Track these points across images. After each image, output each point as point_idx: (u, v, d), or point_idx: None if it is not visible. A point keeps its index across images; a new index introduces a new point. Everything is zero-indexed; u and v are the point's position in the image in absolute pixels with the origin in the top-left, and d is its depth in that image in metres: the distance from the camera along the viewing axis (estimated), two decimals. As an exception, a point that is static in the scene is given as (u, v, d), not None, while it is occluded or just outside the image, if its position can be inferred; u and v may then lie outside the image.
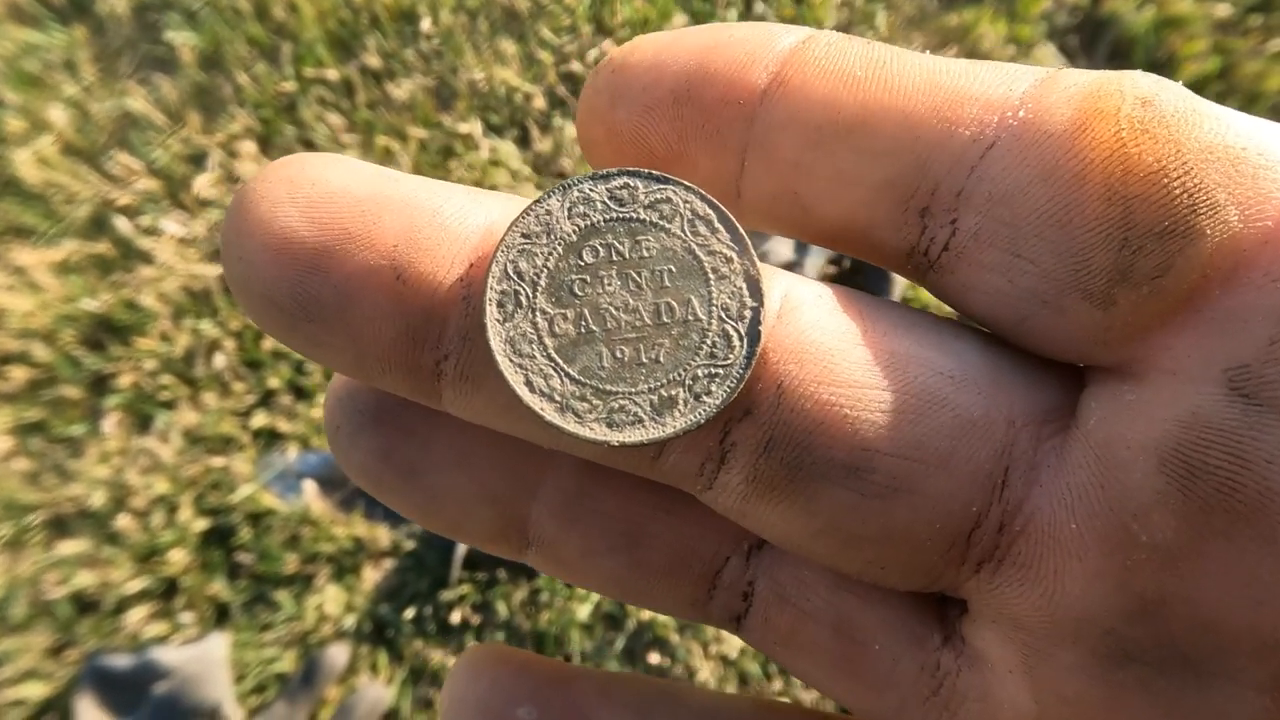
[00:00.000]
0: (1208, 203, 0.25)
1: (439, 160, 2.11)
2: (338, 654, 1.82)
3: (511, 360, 0.29)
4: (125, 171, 2.15)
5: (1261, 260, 0.25)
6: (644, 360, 0.29)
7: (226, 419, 1.97)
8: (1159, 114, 0.25)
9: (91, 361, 2.03)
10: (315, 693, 1.80)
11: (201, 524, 1.92)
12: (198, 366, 2.01)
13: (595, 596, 1.78)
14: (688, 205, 0.29)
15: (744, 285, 0.29)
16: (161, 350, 2.02)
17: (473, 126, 2.13)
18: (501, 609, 1.83)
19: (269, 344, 2.02)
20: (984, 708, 0.30)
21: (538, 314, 0.29)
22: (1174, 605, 0.26)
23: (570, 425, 0.29)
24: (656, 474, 0.30)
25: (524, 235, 0.29)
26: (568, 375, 0.29)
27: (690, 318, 0.29)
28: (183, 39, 2.22)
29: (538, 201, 0.29)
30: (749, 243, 0.29)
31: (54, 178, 2.14)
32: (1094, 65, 2.09)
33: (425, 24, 2.20)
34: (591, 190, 0.30)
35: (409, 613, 1.85)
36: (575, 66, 2.17)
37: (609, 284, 0.29)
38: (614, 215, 0.29)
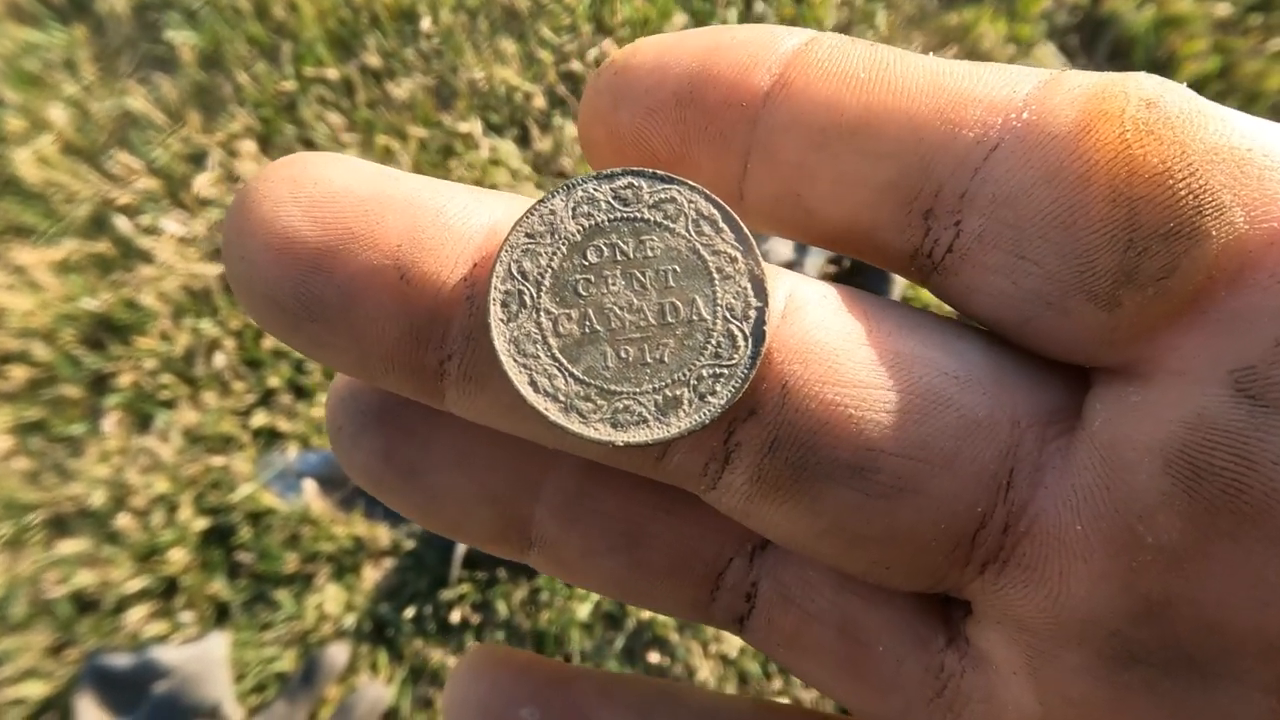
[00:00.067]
0: (1213, 204, 0.25)
1: (439, 159, 2.11)
2: (337, 653, 1.82)
3: (516, 360, 0.29)
4: (125, 171, 2.15)
5: (1267, 261, 0.25)
6: (648, 360, 0.29)
7: (226, 418, 1.97)
8: (1164, 115, 0.25)
9: (91, 361, 2.02)
10: (315, 692, 1.80)
11: (201, 523, 1.91)
12: (198, 366, 2.01)
13: (595, 595, 1.78)
14: (692, 205, 0.29)
15: (749, 285, 0.29)
16: (161, 349, 2.02)
17: (473, 126, 2.13)
18: (501, 608, 1.83)
19: (269, 343, 2.02)
20: (988, 709, 0.30)
21: (542, 314, 0.29)
22: (1179, 607, 0.25)
23: (575, 425, 0.28)
24: (660, 474, 0.30)
25: (528, 235, 0.29)
26: (572, 375, 0.29)
27: (695, 318, 0.29)
28: (183, 38, 2.22)
29: (542, 201, 0.29)
30: (754, 242, 0.29)
31: (54, 177, 2.14)
32: (1094, 65, 2.09)
33: (425, 23, 2.19)
34: (596, 190, 0.29)
35: (409, 612, 1.84)
36: (575, 66, 2.17)
37: (613, 284, 0.29)
38: (618, 215, 0.29)
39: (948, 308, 0.30)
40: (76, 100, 2.20)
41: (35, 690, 1.82)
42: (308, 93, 2.18)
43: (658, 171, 0.29)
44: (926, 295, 1.80)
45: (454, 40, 2.19)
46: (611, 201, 0.29)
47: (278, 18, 2.23)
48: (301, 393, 1.99)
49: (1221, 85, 2.04)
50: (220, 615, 1.89)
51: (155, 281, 2.07)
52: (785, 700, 1.77)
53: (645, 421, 0.28)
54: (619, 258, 0.29)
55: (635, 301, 0.29)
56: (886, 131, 0.28)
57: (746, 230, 0.29)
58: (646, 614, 1.79)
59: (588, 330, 0.29)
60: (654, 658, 1.79)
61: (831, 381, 0.28)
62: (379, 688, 1.80)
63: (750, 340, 0.28)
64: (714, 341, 0.29)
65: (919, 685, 0.31)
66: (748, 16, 2.16)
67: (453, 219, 0.29)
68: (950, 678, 0.31)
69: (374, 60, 2.18)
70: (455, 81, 2.17)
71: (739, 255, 0.29)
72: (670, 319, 0.29)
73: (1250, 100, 2.03)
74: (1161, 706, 0.27)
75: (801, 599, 0.32)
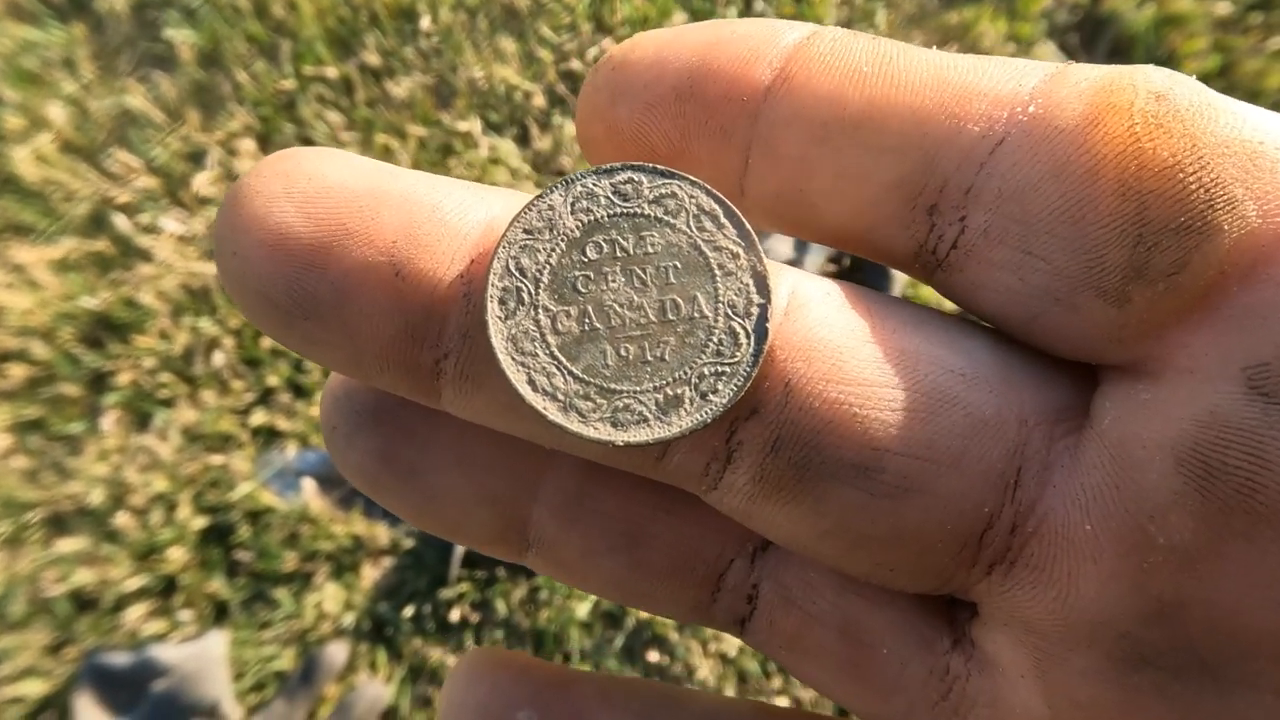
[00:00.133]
0: (1225, 198, 0.24)
1: (438, 158, 2.11)
2: (336, 652, 1.82)
3: (514, 358, 0.28)
4: (124, 169, 2.15)
5: None
6: (649, 358, 0.28)
7: (225, 417, 1.97)
8: (1173, 108, 0.25)
9: (90, 359, 2.02)
10: (314, 691, 1.80)
11: (200, 522, 1.91)
12: (197, 364, 2.01)
13: (594, 594, 1.78)
14: (693, 200, 0.29)
15: (751, 282, 0.28)
16: (160, 348, 2.02)
17: (472, 124, 2.13)
18: (500, 607, 1.83)
19: (268, 342, 2.02)
20: (994, 713, 0.29)
21: (540, 311, 0.28)
22: (1192, 608, 0.25)
23: (574, 425, 0.28)
24: (660, 474, 0.30)
25: (526, 231, 0.28)
26: (571, 374, 0.28)
27: (696, 315, 0.28)
28: (182, 37, 2.22)
29: (540, 196, 0.29)
30: (755, 238, 0.29)
31: (53, 175, 2.13)
32: (1094, 63, 2.08)
33: (425, 22, 2.19)
34: (595, 185, 0.29)
35: (408, 611, 1.84)
36: (575, 64, 2.16)
37: (613, 280, 0.29)
38: (618, 210, 0.29)
39: (950, 305, 0.30)
40: (75, 98, 2.20)
41: (34, 689, 1.82)
42: (307, 91, 2.18)
43: (658, 166, 0.29)
44: (927, 293, 1.79)
45: (453, 39, 2.18)
46: (611, 197, 0.29)
47: (277, 16, 2.23)
48: (300, 391, 1.99)
49: (1221, 84, 2.04)
50: (219, 614, 1.89)
51: (154, 280, 2.06)
52: (785, 700, 1.77)
53: (646, 421, 0.28)
54: (619, 254, 0.29)
55: (635, 298, 0.28)
56: (890, 126, 0.27)
57: (748, 226, 0.29)
58: (645, 613, 1.78)
59: (587, 328, 0.28)
60: (653, 657, 1.79)
61: (835, 380, 0.27)
62: (378, 686, 1.80)
63: (753, 338, 0.28)
64: (716, 339, 0.28)
65: (923, 688, 0.31)
66: (748, 14, 2.16)
67: (449, 215, 0.28)
68: (955, 680, 0.30)
69: (373, 59, 2.18)
70: (455, 80, 2.17)
71: (741, 251, 0.29)
72: (671, 316, 0.28)
73: (1250, 99, 2.00)
74: (1172, 710, 0.26)
75: (803, 600, 0.32)
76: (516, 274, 0.28)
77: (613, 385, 0.28)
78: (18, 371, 2.02)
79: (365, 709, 1.77)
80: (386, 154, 2.08)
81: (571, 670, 0.36)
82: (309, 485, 1.93)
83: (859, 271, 1.92)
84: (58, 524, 1.94)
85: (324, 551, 1.88)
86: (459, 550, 1.83)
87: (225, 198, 0.28)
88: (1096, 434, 0.27)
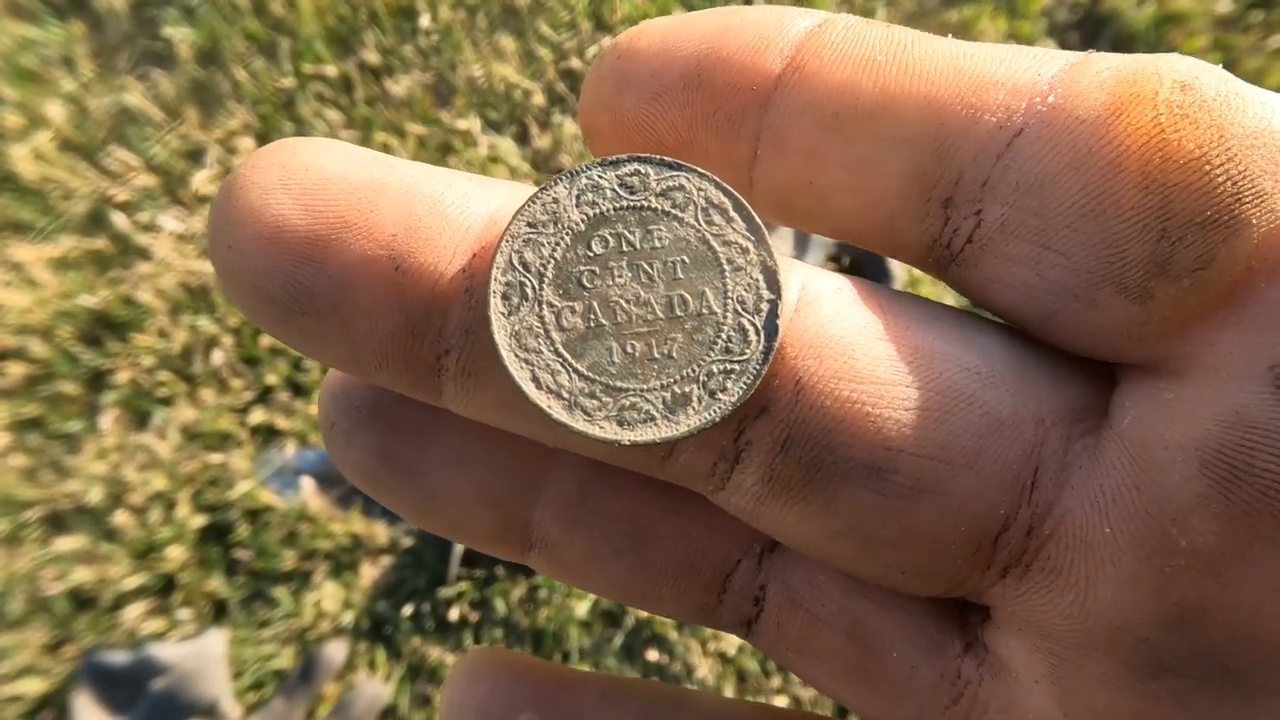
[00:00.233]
0: (1253, 190, 0.23)
1: (437, 157, 2.11)
2: (335, 651, 1.81)
3: (517, 355, 0.27)
4: (123, 167, 2.14)
5: None
6: (656, 355, 0.28)
7: (224, 415, 1.97)
8: (1199, 98, 0.24)
9: (89, 357, 2.02)
10: (313, 689, 1.79)
11: (199, 520, 1.91)
12: (195, 363, 2.01)
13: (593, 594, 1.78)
14: (701, 193, 0.28)
15: (760, 277, 0.28)
16: (159, 346, 2.01)
17: (471, 123, 2.12)
18: (500, 606, 1.82)
19: (267, 340, 2.01)
20: (1007, 718, 0.29)
21: (544, 307, 0.28)
22: (1215, 614, 0.24)
23: (579, 423, 0.27)
24: (666, 474, 0.29)
25: (530, 224, 0.28)
26: (576, 371, 0.28)
27: (704, 311, 0.28)
28: (181, 34, 2.21)
29: (544, 189, 0.28)
30: (765, 232, 0.28)
31: (51, 173, 2.13)
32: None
33: (424, 20, 2.19)
34: (600, 177, 0.28)
35: (407, 610, 1.84)
36: (574, 63, 2.16)
37: (619, 275, 0.28)
38: (624, 203, 0.28)
39: (963, 300, 0.29)
40: (74, 96, 2.19)
41: (32, 687, 1.82)
42: (306, 89, 2.17)
43: (665, 158, 0.28)
44: (928, 290, 1.79)
45: (453, 37, 2.18)
46: (617, 189, 0.28)
47: (276, 14, 2.22)
48: (299, 390, 1.99)
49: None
50: (218, 612, 1.89)
51: (153, 278, 2.06)
52: (784, 699, 1.77)
53: (652, 419, 0.27)
54: (625, 248, 0.28)
55: (642, 294, 0.28)
56: (904, 116, 0.27)
57: (758, 220, 0.28)
58: (645, 613, 1.78)
59: (592, 324, 0.28)
60: (653, 656, 1.79)
61: (847, 378, 0.26)
62: (377, 685, 1.79)
63: (762, 334, 0.27)
64: (724, 336, 0.27)
65: (933, 692, 0.30)
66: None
67: (450, 207, 0.28)
68: (967, 685, 0.30)
69: (372, 57, 2.18)
70: (454, 78, 2.16)
71: (750, 246, 0.28)
72: (679, 312, 0.28)
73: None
74: (1192, 719, 0.25)
75: (811, 603, 0.31)
76: (520, 268, 0.28)
77: (619, 383, 0.28)
78: (16, 370, 2.01)
79: (364, 708, 1.77)
80: (385, 152, 2.07)
81: (572, 671, 0.36)
82: (308, 484, 1.92)
83: (859, 271, 1.91)
84: (56, 522, 1.93)
85: (323, 550, 1.88)
86: (458, 549, 1.83)
87: (220, 189, 0.28)
88: (1116, 434, 0.26)
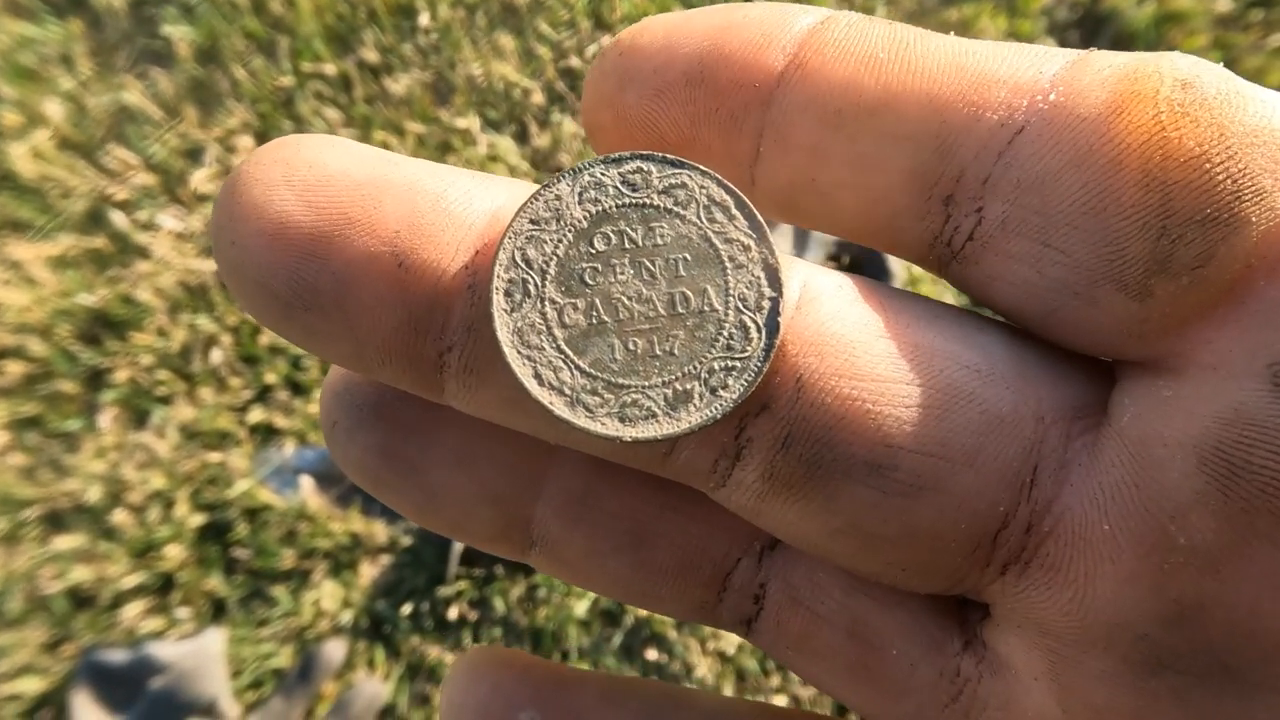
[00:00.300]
0: (1253, 189, 0.23)
1: (437, 156, 2.10)
2: (334, 650, 1.81)
3: (519, 352, 0.27)
4: (122, 166, 2.14)
5: None
6: (658, 352, 0.28)
7: (223, 414, 1.97)
8: (1200, 96, 0.24)
9: (88, 356, 2.01)
10: (312, 688, 1.79)
11: (198, 519, 1.91)
12: (194, 362, 2.00)
13: (593, 592, 1.78)
14: (703, 191, 0.28)
15: (762, 274, 0.28)
16: (158, 345, 2.01)
17: (470, 122, 2.12)
18: (499, 605, 1.82)
19: (266, 339, 2.01)
20: (1006, 716, 0.29)
21: (547, 304, 0.28)
22: (1213, 611, 0.24)
23: (581, 420, 0.27)
24: (667, 471, 0.29)
25: (532, 221, 0.28)
26: (578, 368, 0.28)
27: (706, 308, 0.28)
28: (180, 33, 2.21)
29: (547, 186, 0.28)
30: (767, 230, 0.28)
31: (50, 172, 2.13)
32: (1096, 61, 2.08)
33: (423, 18, 2.19)
34: (603, 174, 0.28)
35: (406, 609, 1.84)
36: (574, 62, 2.16)
37: (621, 273, 0.28)
38: (626, 201, 0.28)
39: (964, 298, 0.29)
40: (73, 95, 2.19)
41: (31, 686, 1.81)
42: (305, 88, 2.17)
43: (667, 155, 0.28)
44: (931, 289, 1.79)
45: (452, 36, 2.18)
46: (619, 187, 0.28)
47: (275, 13, 2.22)
48: (299, 389, 1.99)
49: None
50: (217, 611, 1.88)
51: (152, 277, 2.06)
52: (784, 697, 1.77)
53: (654, 416, 0.27)
54: (627, 245, 0.28)
55: (644, 291, 0.28)
56: (906, 113, 0.27)
57: (760, 217, 0.28)
58: (645, 611, 1.78)
59: (594, 321, 0.28)
60: (652, 655, 1.79)
61: (848, 375, 0.27)
62: (376, 684, 1.79)
63: (764, 332, 0.27)
64: (726, 333, 0.27)
65: (932, 690, 0.30)
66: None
67: (454, 204, 0.28)
68: (966, 683, 0.30)
69: (371, 55, 2.17)
70: (453, 77, 2.16)
71: (752, 243, 0.28)
72: (680, 309, 0.28)
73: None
74: (1190, 715, 0.26)
75: (811, 600, 0.31)
76: (523, 265, 0.28)
77: (621, 380, 0.28)
78: (15, 368, 2.01)
79: (363, 707, 1.77)
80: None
81: (572, 670, 0.36)
82: (307, 483, 1.92)
83: (858, 270, 1.92)
84: (55, 521, 1.93)
85: (322, 549, 1.88)
86: (457, 548, 1.83)
87: (223, 186, 0.28)
88: (1115, 432, 0.26)
